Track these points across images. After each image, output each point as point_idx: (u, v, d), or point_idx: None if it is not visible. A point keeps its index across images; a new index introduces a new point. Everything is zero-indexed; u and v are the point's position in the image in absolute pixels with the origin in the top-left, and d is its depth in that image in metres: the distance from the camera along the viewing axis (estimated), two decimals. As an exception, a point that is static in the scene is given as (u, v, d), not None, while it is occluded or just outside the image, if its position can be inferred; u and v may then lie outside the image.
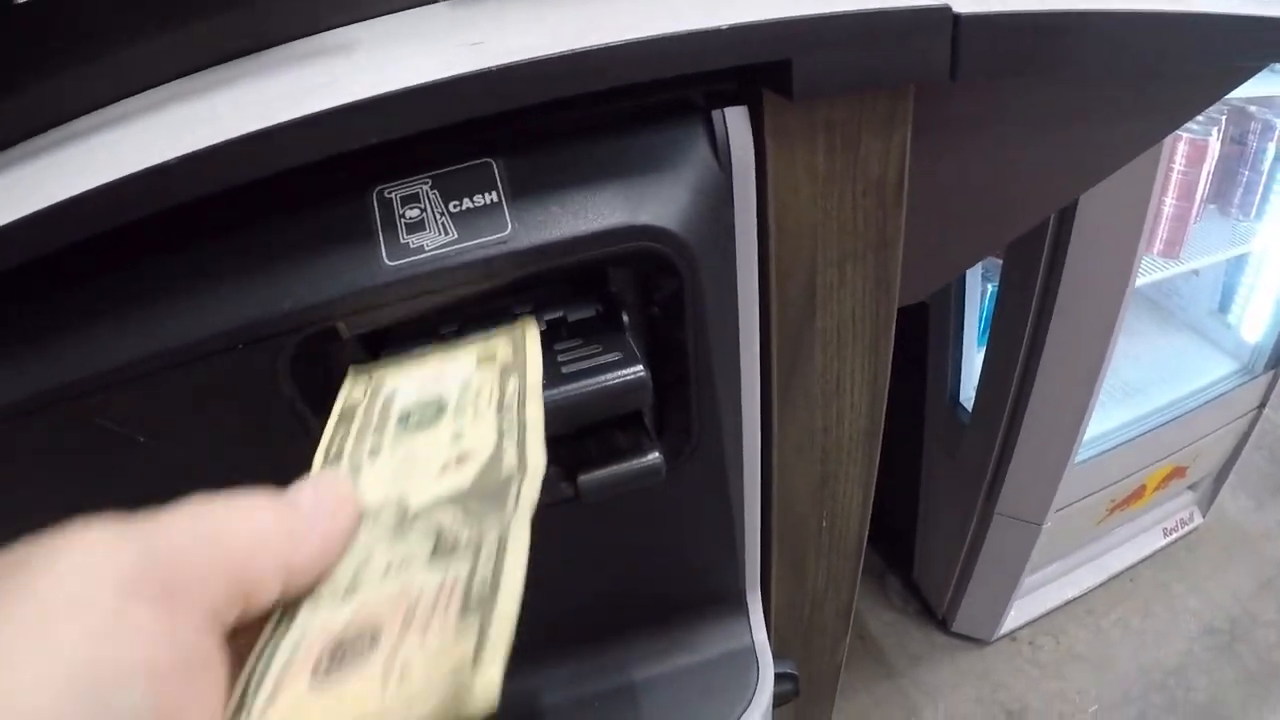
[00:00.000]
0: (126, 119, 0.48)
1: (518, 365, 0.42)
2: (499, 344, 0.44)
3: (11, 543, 0.23)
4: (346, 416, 0.40)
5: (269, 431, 0.46)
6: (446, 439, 0.38)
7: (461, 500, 0.33)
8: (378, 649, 0.26)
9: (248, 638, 0.26)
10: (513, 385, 0.41)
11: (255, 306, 0.41)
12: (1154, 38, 0.51)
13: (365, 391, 0.42)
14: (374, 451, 0.37)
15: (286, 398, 0.44)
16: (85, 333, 0.41)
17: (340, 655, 0.26)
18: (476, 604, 0.27)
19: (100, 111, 0.52)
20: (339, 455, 0.37)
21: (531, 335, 0.44)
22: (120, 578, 0.22)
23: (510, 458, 0.36)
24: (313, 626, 0.27)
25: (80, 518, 0.24)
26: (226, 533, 0.26)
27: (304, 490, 0.30)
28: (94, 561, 0.22)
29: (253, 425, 0.46)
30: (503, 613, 0.26)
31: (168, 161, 0.37)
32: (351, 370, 0.43)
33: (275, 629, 0.27)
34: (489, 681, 0.25)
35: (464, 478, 0.35)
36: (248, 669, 0.26)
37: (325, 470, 0.36)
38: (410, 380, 0.42)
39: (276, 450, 0.47)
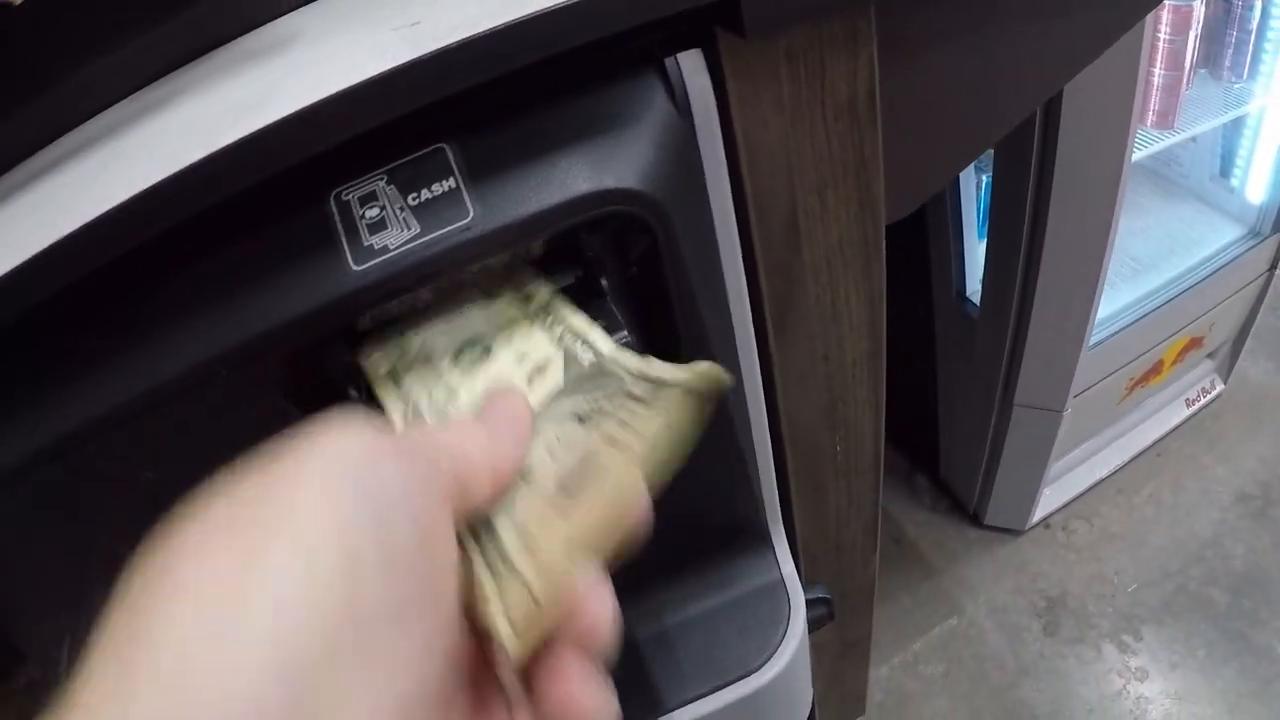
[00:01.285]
0: (64, 160, 0.48)
1: (527, 287, 0.45)
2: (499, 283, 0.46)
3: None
4: (393, 378, 0.43)
5: (268, 441, 0.46)
6: (512, 361, 0.41)
7: (570, 392, 0.37)
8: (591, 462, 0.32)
9: None
10: (534, 304, 0.44)
11: (229, 334, 0.40)
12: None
13: (392, 360, 0.44)
14: (452, 392, 0.41)
15: (283, 409, 0.45)
16: (67, 383, 0.41)
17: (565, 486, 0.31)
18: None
19: (41, 153, 0.51)
20: (416, 410, 0.40)
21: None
22: (377, 443, 0.26)
23: (586, 352, 0.40)
24: (523, 500, 0.31)
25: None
26: (448, 440, 0.30)
27: (493, 406, 0.34)
28: (356, 430, 0.27)
29: (252, 442, 0.46)
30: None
31: (121, 203, 0.37)
32: (364, 355, 0.45)
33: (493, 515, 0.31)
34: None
35: (554, 381, 0.39)
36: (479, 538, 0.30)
37: (499, 388, 0.39)
38: (432, 330, 0.44)
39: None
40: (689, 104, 0.47)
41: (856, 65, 0.53)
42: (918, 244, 1.59)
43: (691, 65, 0.47)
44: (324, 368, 0.46)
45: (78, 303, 0.40)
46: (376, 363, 0.44)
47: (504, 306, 0.45)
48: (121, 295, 0.41)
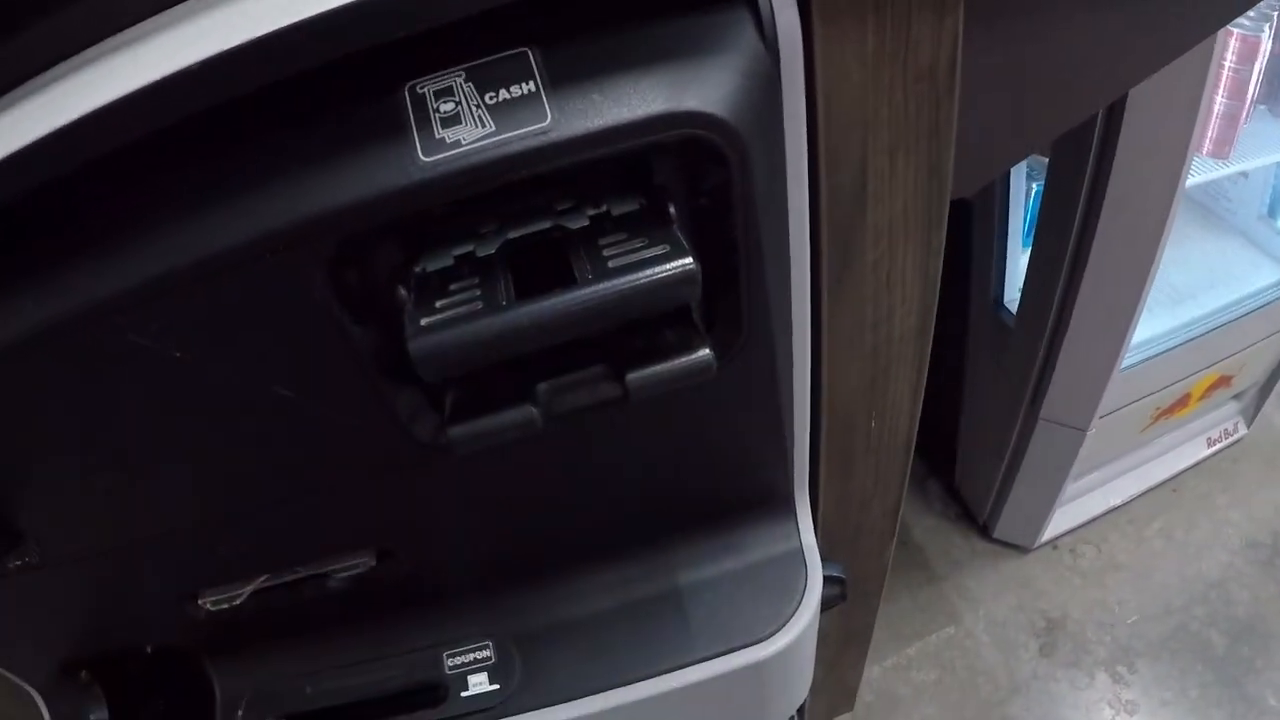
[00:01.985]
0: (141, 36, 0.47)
1: None
2: None
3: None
4: None
5: (305, 341, 0.46)
6: None
7: None
8: None
9: None
10: None
11: (287, 211, 0.40)
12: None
13: None
14: None
15: (323, 305, 0.44)
16: (114, 248, 0.41)
17: None
18: None
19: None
20: None
21: None
22: None
23: None
24: None
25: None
26: None
27: None
28: None
29: (289, 335, 0.46)
30: None
31: (191, 66, 0.36)
32: None
33: None
34: None
35: None
36: None
37: None
38: None
39: (314, 360, 0.47)
40: (776, 40, 0.46)
41: (942, 30, 0.52)
42: (959, 246, 1.58)
43: (783, 2, 0.46)
44: (373, 266, 0.45)
45: (137, 162, 0.39)
46: None
47: None
48: (179, 161, 0.40)
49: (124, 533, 0.56)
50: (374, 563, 0.63)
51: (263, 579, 0.63)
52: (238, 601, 0.64)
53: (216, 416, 0.49)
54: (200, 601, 0.63)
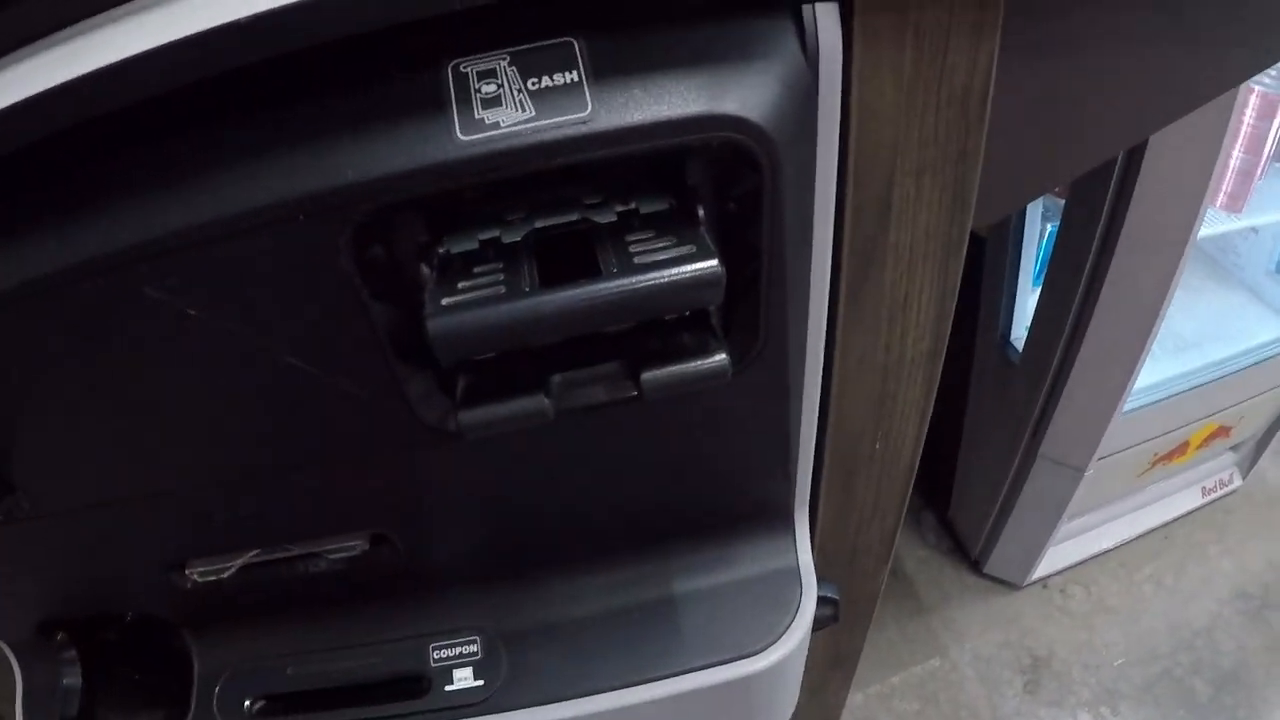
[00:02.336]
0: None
1: None
2: None
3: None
4: None
5: (321, 311, 0.46)
6: None
7: None
8: None
9: None
10: None
11: (320, 176, 0.40)
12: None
13: None
14: None
15: (344, 276, 0.44)
16: (142, 196, 0.41)
17: None
18: None
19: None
20: None
21: None
22: None
23: None
24: None
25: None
26: None
27: None
28: None
29: (306, 303, 0.45)
30: None
31: (241, 19, 0.36)
32: None
33: None
34: None
35: None
36: None
37: None
38: None
39: (328, 331, 0.47)
40: (818, 54, 0.46)
41: (977, 57, 0.52)
42: (969, 281, 1.58)
43: (826, 17, 0.46)
44: (398, 242, 0.45)
45: (178, 113, 0.40)
46: None
47: None
48: (226, 116, 0.40)
49: (117, 490, 0.55)
50: (367, 546, 0.63)
51: (253, 553, 0.63)
52: (226, 575, 0.63)
53: (221, 379, 0.49)
54: (188, 571, 0.62)
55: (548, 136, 0.39)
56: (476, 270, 0.44)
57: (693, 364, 0.47)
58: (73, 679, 0.69)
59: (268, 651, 0.69)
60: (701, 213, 0.46)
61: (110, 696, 0.72)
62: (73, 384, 0.48)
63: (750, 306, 0.50)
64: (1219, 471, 1.97)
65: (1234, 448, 1.93)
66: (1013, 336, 1.60)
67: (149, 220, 0.40)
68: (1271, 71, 1.40)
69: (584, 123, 0.40)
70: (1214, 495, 1.97)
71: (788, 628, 0.68)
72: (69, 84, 0.37)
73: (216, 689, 0.68)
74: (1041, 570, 1.82)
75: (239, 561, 0.63)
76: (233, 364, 0.48)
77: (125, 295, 0.43)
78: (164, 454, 0.54)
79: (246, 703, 0.68)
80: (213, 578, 0.63)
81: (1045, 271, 1.43)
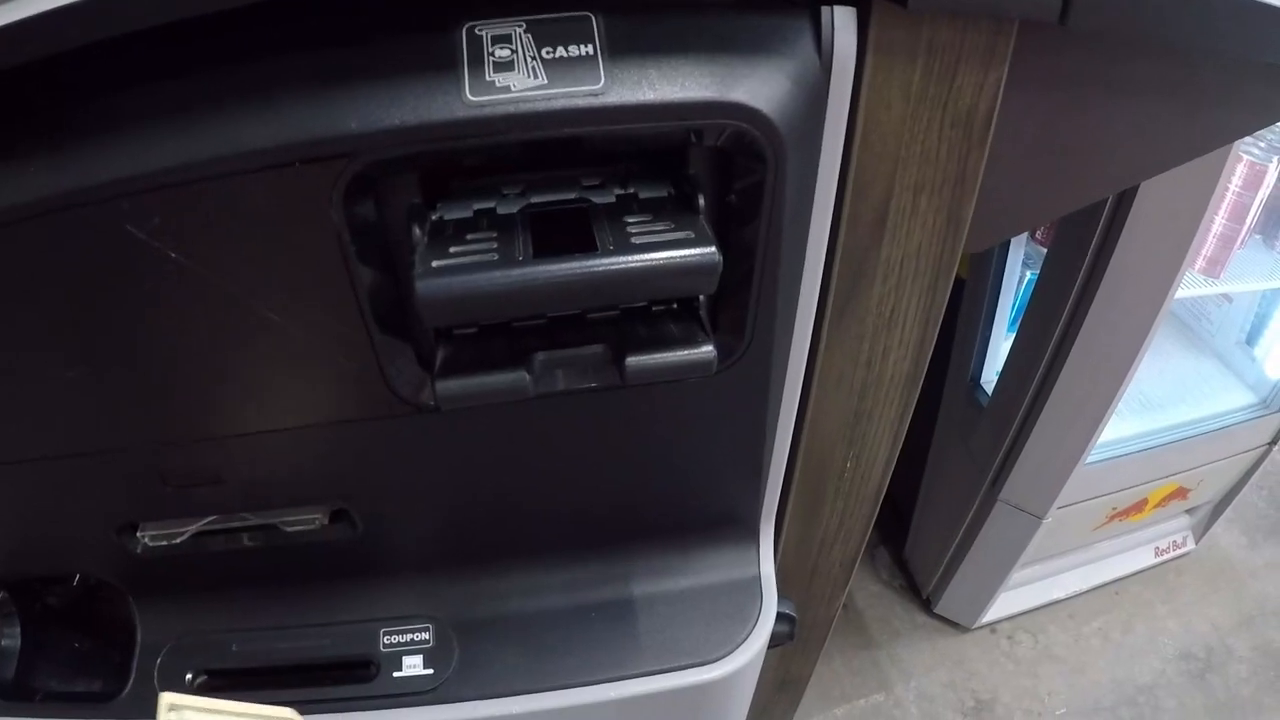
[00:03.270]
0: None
1: None
2: None
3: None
4: None
5: (305, 265, 0.45)
6: None
7: None
8: None
9: None
10: None
11: (322, 122, 0.39)
12: (1261, 20, 0.50)
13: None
14: None
15: (332, 231, 0.43)
16: (135, 129, 0.40)
17: None
18: None
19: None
20: None
21: None
22: None
23: None
24: None
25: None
26: None
27: None
28: None
29: (288, 254, 0.44)
30: None
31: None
32: (164, 700, 0.50)
33: None
34: None
35: None
36: None
37: None
38: None
39: (308, 287, 0.46)
40: (832, 56, 0.46)
41: (985, 81, 0.53)
42: (944, 321, 1.59)
43: (844, 21, 0.46)
44: (390, 203, 0.44)
45: (180, 48, 0.39)
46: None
47: None
48: (232, 53, 0.39)
49: (71, 443, 0.54)
50: (326, 521, 0.62)
51: (208, 519, 0.61)
52: (178, 540, 0.61)
53: (193, 330, 0.48)
54: (139, 534, 0.61)
55: (557, 105, 0.39)
56: (470, 237, 0.43)
57: (679, 353, 0.47)
58: (11, 640, 0.68)
59: (214, 626, 0.67)
60: (701, 202, 0.45)
61: (49, 661, 0.70)
62: (33, 325, 0.47)
63: (739, 303, 0.50)
64: (1173, 533, 1.99)
65: (1190, 510, 1.95)
66: (983, 379, 1.61)
67: (139, 154, 0.39)
68: (1261, 142, 1.42)
69: (596, 95, 0.39)
70: (1166, 556, 1.99)
71: (745, 639, 0.68)
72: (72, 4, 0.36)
73: (158, 660, 0.66)
74: (991, 614, 1.83)
75: (193, 527, 0.61)
76: (206, 315, 0.47)
77: (105, 231, 0.41)
78: (124, 406, 0.52)
79: (188, 675, 0.66)
80: (164, 543, 0.61)
81: (1021, 318, 1.45)
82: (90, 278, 0.44)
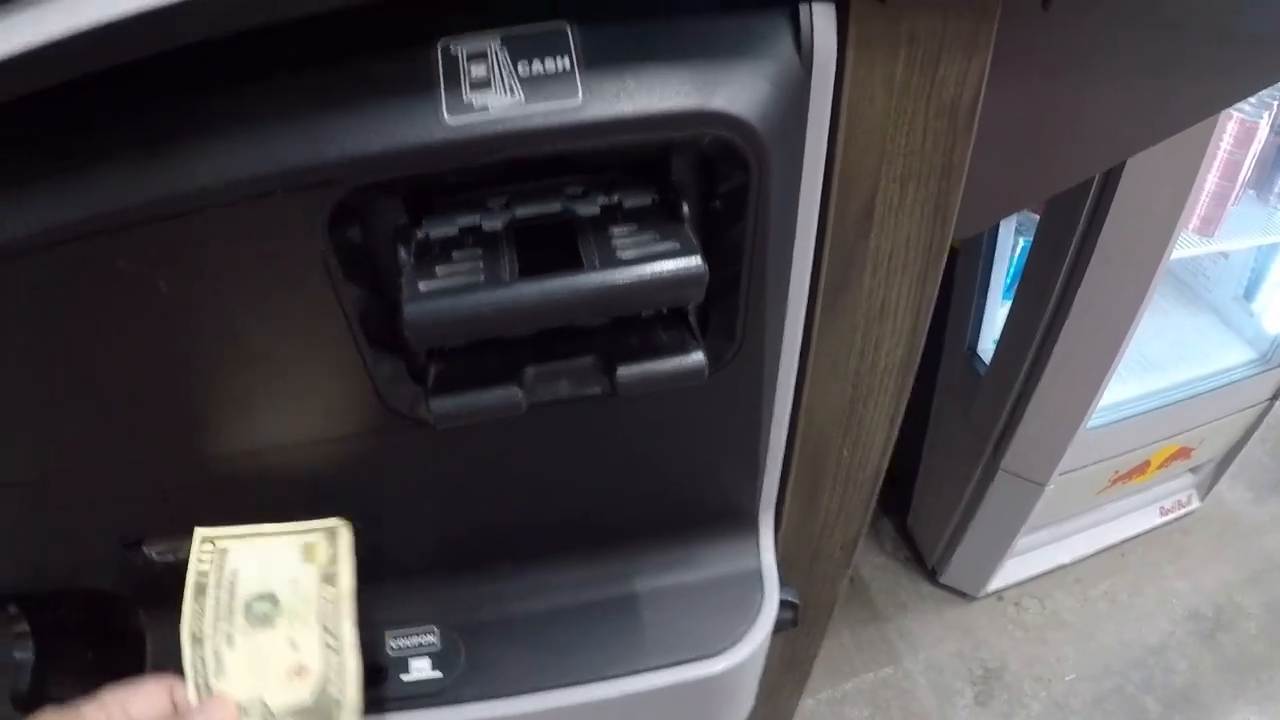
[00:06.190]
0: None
1: (332, 576, 0.53)
2: (319, 542, 0.54)
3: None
4: (200, 590, 0.51)
5: (291, 289, 0.45)
6: (285, 644, 0.50)
7: (305, 714, 0.49)
8: None
9: None
10: (330, 595, 0.52)
11: (301, 152, 0.39)
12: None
13: (211, 563, 0.52)
14: (230, 640, 0.50)
15: (318, 255, 0.43)
16: (122, 165, 0.39)
17: None
18: None
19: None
20: (200, 640, 0.50)
21: (346, 544, 0.54)
22: None
23: (335, 690, 0.50)
24: None
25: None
26: None
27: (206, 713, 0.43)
28: None
29: (276, 281, 0.45)
30: None
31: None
32: (198, 534, 0.52)
33: None
34: None
35: (305, 692, 0.50)
36: None
37: (213, 700, 0.49)
38: (249, 560, 0.52)
39: (298, 311, 0.46)
40: (812, 54, 0.45)
41: (968, 70, 0.52)
42: (939, 291, 1.59)
43: (823, 19, 0.45)
44: (375, 224, 0.44)
45: (161, 80, 0.38)
46: (198, 552, 0.51)
47: (310, 577, 0.52)
48: (207, 85, 0.39)
49: (76, 464, 0.54)
50: (329, 531, 0.62)
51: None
52: (184, 554, 0.62)
53: (187, 356, 0.48)
54: (145, 549, 0.61)
55: (536, 124, 0.39)
56: (455, 256, 0.43)
57: (669, 362, 0.47)
58: (24, 653, 0.68)
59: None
60: (686, 209, 0.45)
61: (62, 672, 0.70)
62: (34, 353, 0.47)
63: (729, 308, 0.50)
64: (1178, 493, 2.00)
65: (1194, 470, 1.95)
66: (980, 349, 1.60)
67: (127, 189, 0.39)
68: (1251, 99, 1.41)
69: (573, 111, 0.39)
70: (1172, 516, 1.99)
71: (749, 630, 0.68)
72: (53, 43, 0.35)
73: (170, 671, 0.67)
74: (997, 582, 1.83)
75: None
76: (200, 340, 0.47)
77: (96, 266, 0.42)
78: (124, 430, 0.53)
79: (199, 683, 0.67)
80: (170, 558, 0.61)
81: (1016, 285, 1.44)
82: (84, 309, 0.44)
